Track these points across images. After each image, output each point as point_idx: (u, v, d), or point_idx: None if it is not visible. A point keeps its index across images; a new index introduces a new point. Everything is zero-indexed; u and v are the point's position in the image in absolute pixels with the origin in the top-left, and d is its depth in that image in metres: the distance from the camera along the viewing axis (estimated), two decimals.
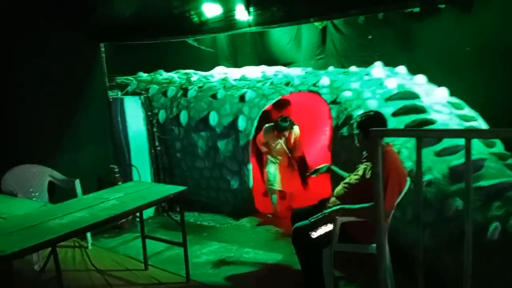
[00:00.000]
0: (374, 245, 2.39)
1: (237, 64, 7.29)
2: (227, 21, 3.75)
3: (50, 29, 3.92)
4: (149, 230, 4.15)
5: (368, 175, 2.49)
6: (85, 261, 3.36)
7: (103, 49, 4.42)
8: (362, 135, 2.52)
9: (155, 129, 4.83)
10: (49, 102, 4.01)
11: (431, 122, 3.27)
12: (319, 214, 2.52)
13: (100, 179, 4.47)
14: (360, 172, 2.57)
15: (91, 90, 4.44)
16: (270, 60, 6.86)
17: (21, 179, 3.82)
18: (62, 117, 4.18)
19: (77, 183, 3.78)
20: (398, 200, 2.45)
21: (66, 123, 4.24)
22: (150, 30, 4.13)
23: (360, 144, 2.60)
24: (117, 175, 4.38)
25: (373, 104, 3.61)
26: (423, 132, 1.84)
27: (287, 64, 6.66)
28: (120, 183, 4.28)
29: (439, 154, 2.97)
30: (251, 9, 3.46)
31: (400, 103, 3.51)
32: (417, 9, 4.41)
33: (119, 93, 4.78)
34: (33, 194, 3.85)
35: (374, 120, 2.48)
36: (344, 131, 3.64)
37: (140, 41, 4.51)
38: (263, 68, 5.84)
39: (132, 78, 5.47)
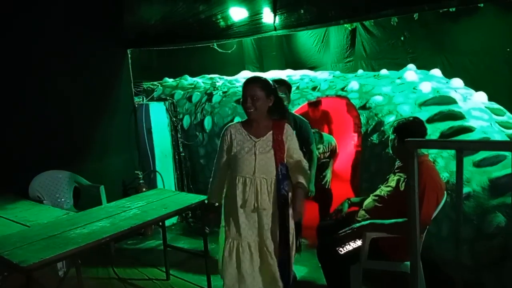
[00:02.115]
0: (407, 263, 2.22)
1: (263, 68, 7.20)
2: (253, 25, 3.66)
3: (79, 36, 3.97)
4: (172, 237, 4.12)
5: (402, 187, 2.31)
6: (108, 269, 3.35)
7: (130, 55, 4.44)
8: (399, 142, 2.33)
9: (179, 135, 4.80)
10: (76, 107, 4.06)
11: (469, 129, 3.04)
12: (347, 228, 2.37)
13: (125, 185, 4.48)
14: (393, 184, 2.40)
15: (117, 96, 4.46)
16: (297, 63, 6.73)
17: (47, 185, 3.87)
18: (89, 122, 4.22)
19: (102, 189, 3.78)
20: (435, 214, 2.27)
21: (92, 129, 4.27)
22: (176, 36, 4.10)
23: (394, 152, 2.42)
24: (141, 181, 4.38)
25: (405, 110, 3.41)
26: (465, 144, 1.67)
27: (313, 67, 6.51)
28: (144, 189, 4.27)
29: (478, 164, 2.75)
30: (278, 11, 3.35)
31: (436, 109, 3.29)
32: (453, 9, 4.16)
33: (145, 98, 4.79)
34: (59, 200, 3.90)
35: (413, 126, 2.30)
36: (374, 138, 3.46)
37: (166, 47, 4.50)
38: (289, 72, 5.71)
39: (157, 84, 5.49)
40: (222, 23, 3.84)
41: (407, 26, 5.50)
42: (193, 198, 2.88)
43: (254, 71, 6.51)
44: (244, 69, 7.10)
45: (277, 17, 3.39)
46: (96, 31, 4.14)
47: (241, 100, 2.27)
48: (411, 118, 2.39)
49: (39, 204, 3.21)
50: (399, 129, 2.32)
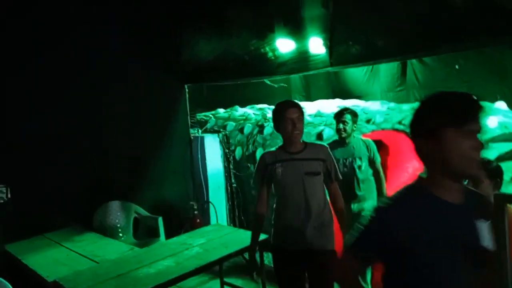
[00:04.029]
0: None
1: (309, 97, 7.21)
2: (308, 61, 3.70)
3: (139, 71, 4.20)
4: (224, 271, 4.10)
5: None
6: None
7: (187, 90, 4.63)
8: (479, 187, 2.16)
9: (231, 166, 4.87)
10: (135, 140, 4.26)
11: None
12: None
13: (180, 215, 4.58)
14: None
15: (174, 129, 4.65)
16: (344, 92, 6.68)
17: (109, 215, 4.04)
18: (147, 154, 4.41)
19: (160, 220, 3.89)
20: None
21: (150, 160, 4.45)
22: (230, 72, 4.23)
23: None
24: (196, 212, 4.46)
25: None
26: None
27: (361, 96, 6.42)
28: (198, 220, 4.35)
29: None
30: (334, 48, 3.37)
31: (505, 146, 3.11)
32: None
33: (199, 130, 4.94)
34: (119, 230, 4.05)
35: (493, 173, 2.12)
36: None
37: (221, 82, 4.65)
38: (338, 102, 5.67)
39: (210, 115, 5.65)
40: (277, 60, 3.92)
41: (462, 53, 5.31)
42: None
43: (301, 100, 6.52)
44: (291, 98, 7.15)
45: (333, 53, 3.40)
46: (155, 67, 4.38)
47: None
48: (489, 161, 2.22)
49: (104, 237, 3.35)
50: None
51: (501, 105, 3.85)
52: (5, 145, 3.21)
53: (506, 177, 2.84)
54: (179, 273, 2.29)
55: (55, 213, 3.61)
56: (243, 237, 2.90)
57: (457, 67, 5.43)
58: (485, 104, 3.67)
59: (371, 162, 3.34)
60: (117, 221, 4.07)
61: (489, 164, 2.12)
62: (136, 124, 4.27)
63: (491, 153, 3.05)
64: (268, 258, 4.48)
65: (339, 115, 3.33)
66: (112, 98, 4.03)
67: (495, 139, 3.23)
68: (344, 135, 3.28)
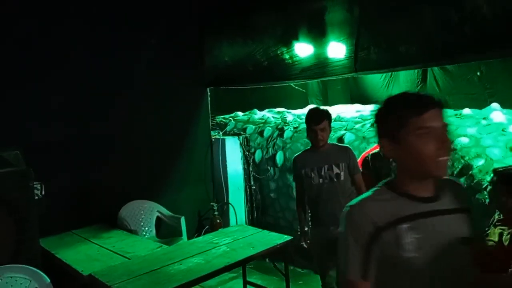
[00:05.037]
0: None
1: (327, 102, 7.23)
2: (329, 67, 3.75)
3: (164, 75, 4.31)
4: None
5: (505, 242, 2.19)
6: None
7: (209, 93, 4.72)
8: (507, 193, 2.20)
9: (251, 169, 4.94)
10: (159, 142, 4.36)
11: None
12: None
13: (200, 215, 4.67)
14: (495, 238, 2.28)
15: (196, 131, 4.75)
16: (362, 97, 6.67)
17: (133, 214, 4.14)
18: (170, 156, 4.51)
19: (182, 220, 3.97)
20: None
21: (172, 162, 4.55)
22: (252, 77, 4.30)
23: (501, 205, 2.30)
24: (216, 213, 4.54)
25: (496, 154, 3.26)
26: None
27: (379, 101, 6.42)
28: (218, 221, 4.42)
29: None
30: (360, 53, 3.41)
31: None
32: None
33: (220, 132, 5.02)
34: (143, 228, 4.15)
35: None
36: (462, 181, 3.32)
37: (243, 86, 4.74)
38: (358, 107, 5.69)
39: (230, 118, 5.72)
40: (299, 65, 3.97)
41: (484, 60, 5.29)
42: (278, 238, 2.93)
43: (318, 104, 6.55)
44: (308, 102, 7.18)
45: (358, 59, 3.45)
46: (179, 71, 4.48)
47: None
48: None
49: (132, 234, 3.44)
50: (508, 179, 2.19)
51: None
52: (43, 146, 3.34)
53: None
54: (209, 271, 2.36)
55: (82, 210, 3.73)
56: (268, 238, 2.96)
57: (478, 74, 5.40)
58: (509, 112, 3.67)
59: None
60: (140, 219, 4.17)
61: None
62: (160, 126, 4.37)
63: None
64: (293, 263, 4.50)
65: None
66: (138, 101, 4.15)
67: None
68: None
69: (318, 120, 2.65)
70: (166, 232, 4.23)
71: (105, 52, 3.89)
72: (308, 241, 2.83)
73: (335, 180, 2.70)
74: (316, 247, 2.82)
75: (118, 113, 4.04)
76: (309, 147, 2.88)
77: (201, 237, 3.12)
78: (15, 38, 3.35)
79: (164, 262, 2.52)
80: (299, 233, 2.91)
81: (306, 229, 2.87)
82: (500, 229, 2.29)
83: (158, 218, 4.25)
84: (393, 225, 1.06)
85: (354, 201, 1.15)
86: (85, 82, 3.75)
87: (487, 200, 3.06)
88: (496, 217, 2.38)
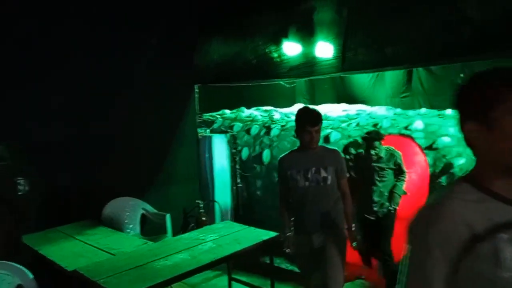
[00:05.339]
0: None
1: (314, 101, 7.29)
2: (317, 66, 3.79)
3: (152, 71, 4.29)
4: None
5: None
6: None
7: (197, 90, 4.71)
8: None
9: (237, 166, 4.95)
10: (145, 138, 4.32)
11: None
12: None
13: (186, 213, 4.65)
14: None
15: (183, 128, 4.73)
16: (349, 97, 6.76)
17: (118, 211, 4.09)
18: (156, 153, 4.48)
19: (168, 217, 3.95)
20: None
21: (159, 159, 4.52)
22: (239, 74, 4.32)
23: None
24: (201, 210, 4.53)
25: None
26: None
27: (367, 101, 6.51)
28: (204, 218, 4.41)
29: None
30: (347, 53, 3.46)
31: None
32: None
33: (207, 130, 5.01)
34: (127, 226, 4.11)
35: None
36: (443, 180, 3.41)
37: (231, 84, 4.74)
38: (345, 106, 5.76)
39: (217, 116, 5.72)
40: (287, 63, 4.01)
41: (468, 63, 5.41)
42: (263, 234, 2.95)
43: (305, 103, 6.61)
44: (295, 100, 7.23)
45: (346, 59, 3.50)
46: (167, 66, 4.45)
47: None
48: None
49: (116, 231, 3.41)
50: None
51: None
52: (30, 145, 3.29)
53: None
54: (195, 266, 2.37)
55: (66, 207, 3.68)
56: (254, 235, 2.98)
57: (461, 75, 5.52)
58: None
59: None
60: (125, 217, 4.13)
61: None
62: (146, 122, 4.34)
63: None
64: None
65: None
66: (124, 97, 4.10)
67: None
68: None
69: (315, 122, 2.51)
70: (151, 229, 4.20)
71: (105, 52, 3.86)
72: (291, 247, 2.69)
73: (321, 183, 2.54)
74: (299, 257, 2.72)
75: (118, 113, 4.02)
76: (296, 147, 2.71)
77: (186, 234, 3.12)
78: (15, 38, 3.31)
79: (150, 258, 2.51)
80: (281, 239, 2.76)
81: (289, 234, 2.69)
82: None
83: (143, 216, 4.21)
84: (492, 234, 0.83)
85: (433, 201, 0.92)
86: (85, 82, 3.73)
87: None
88: None
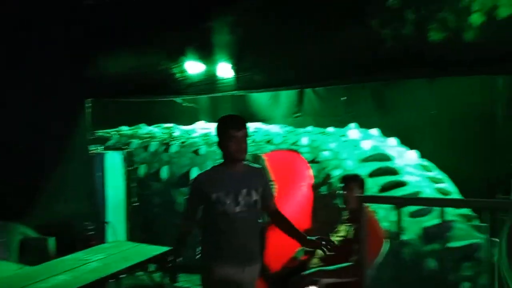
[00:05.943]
0: None
1: (216, 119, 7.45)
2: (215, 84, 3.95)
3: (39, 81, 4.00)
4: None
5: (350, 236, 2.60)
6: None
7: (89, 105, 4.49)
8: (344, 189, 2.68)
9: (134, 185, 4.80)
10: (29, 153, 3.97)
11: (403, 183, 3.49)
12: (297, 276, 2.57)
13: (74, 235, 4.32)
14: (343, 233, 2.68)
15: (72, 144, 4.42)
16: (249, 115, 7.08)
17: None
18: (41, 171, 4.13)
19: (51, 242, 3.65)
20: (377, 260, 2.57)
21: (43, 178, 4.17)
22: (137, 89, 4.26)
23: (344, 201, 2.71)
24: (91, 232, 4.26)
25: (350, 165, 3.81)
26: (404, 201, 2.02)
27: (265, 120, 6.90)
28: (94, 242, 4.15)
29: (412, 215, 3.15)
30: (240, 73, 3.68)
31: (375, 165, 3.73)
32: None
33: (101, 147, 4.79)
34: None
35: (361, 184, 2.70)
36: (323, 190, 3.79)
37: (127, 99, 4.64)
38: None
39: (113, 132, 5.51)
40: (185, 81, 4.09)
41: (348, 87, 6.13)
42: (155, 250, 2.93)
43: (207, 121, 6.76)
44: (198, 118, 7.32)
45: (239, 78, 3.72)
46: (58, 79, 4.18)
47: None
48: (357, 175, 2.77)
49: None
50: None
51: (374, 131, 4.59)
52: None
53: (374, 189, 3.43)
54: (77, 286, 2.24)
55: None
56: (145, 251, 2.93)
57: (342, 99, 6.22)
58: (364, 131, 4.33)
59: None
60: None
61: (358, 178, 2.69)
62: (29, 135, 3.99)
63: (365, 170, 3.63)
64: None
65: None
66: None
67: (367, 159, 3.85)
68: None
69: (240, 125, 2.11)
70: (32, 255, 3.81)
71: None
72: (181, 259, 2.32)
73: (253, 208, 2.14)
74: None
75: None
76: (217, 163, 2.23)
77: (70, 255, 2.92)
78: None
79: (26, 282, 2.30)
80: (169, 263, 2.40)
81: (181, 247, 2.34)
82: (346, 225, 2.70)
83: (22, 241, 3.81)
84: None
85: None
86: None
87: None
88: (344, 215, 2.80)
